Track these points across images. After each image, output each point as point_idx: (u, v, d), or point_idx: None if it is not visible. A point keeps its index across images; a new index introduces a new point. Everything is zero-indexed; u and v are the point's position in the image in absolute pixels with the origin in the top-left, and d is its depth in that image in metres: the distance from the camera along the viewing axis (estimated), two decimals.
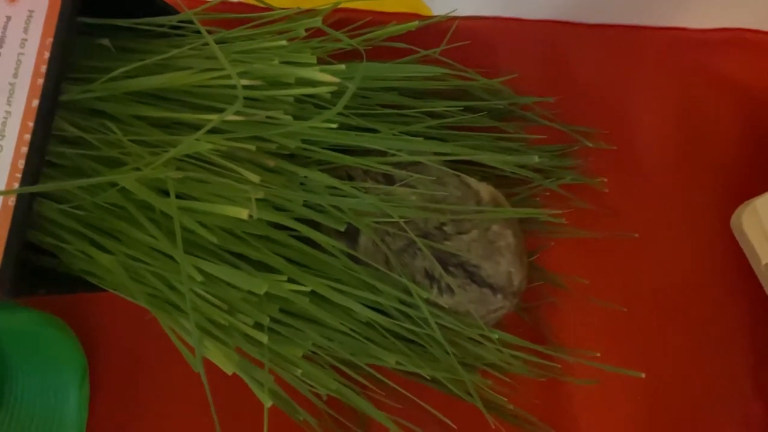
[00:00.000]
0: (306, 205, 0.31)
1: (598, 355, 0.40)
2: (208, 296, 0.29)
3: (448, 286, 0.34)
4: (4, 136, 0.27)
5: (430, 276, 0.34)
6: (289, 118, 0.30)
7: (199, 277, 0.28)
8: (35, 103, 0.27)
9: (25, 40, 0.28)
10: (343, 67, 0.31)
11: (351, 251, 0.33)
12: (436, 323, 0.32)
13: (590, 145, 0.42)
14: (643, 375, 0.37)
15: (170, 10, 0.34)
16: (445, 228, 0.34)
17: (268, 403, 0.28)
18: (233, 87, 0.30)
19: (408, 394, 0.34)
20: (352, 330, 0.32)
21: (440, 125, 0.37)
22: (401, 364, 0.33)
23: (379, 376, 0.34)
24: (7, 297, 0.27)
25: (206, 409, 0.28)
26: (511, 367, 0.36)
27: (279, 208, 0.31)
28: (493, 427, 0.35)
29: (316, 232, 0.31)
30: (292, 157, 0.33)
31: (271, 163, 0.31)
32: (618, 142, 0.44)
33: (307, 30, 0.33)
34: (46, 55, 0.28)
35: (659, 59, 0.45)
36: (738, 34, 0.45)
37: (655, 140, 0.45)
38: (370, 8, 0.42)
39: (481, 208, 0.35)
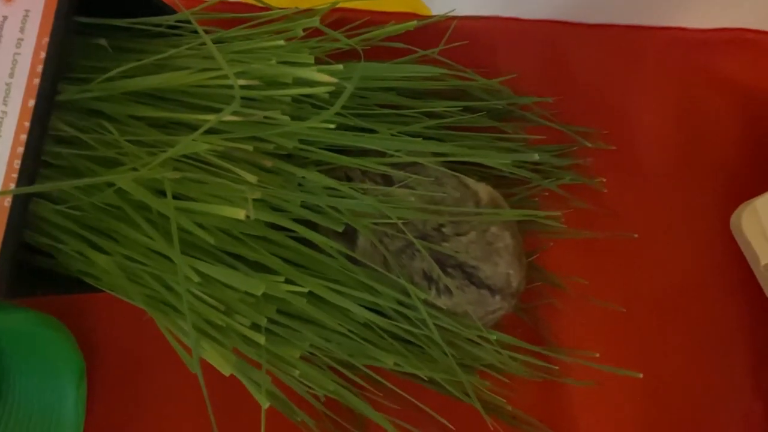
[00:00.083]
0: (304, 205, 0.31)
1: (597, 355, 0.40)
2: (205, 297, 0.29)
3: (447, 288, 0.34)
4: (0, 136, 0.27)
5: (428, 277, 0.34)
6: (286, 118, 0.30)
7: (196, 278, 0.28)
8: (31, 103, 0.27)
9: (22, 39, 0.28)
10: (341, 67, 0.31)
11: (349, 252, 0.32)
12: (435, 324, 0.32)
13: (589, 145, 0.42)
14: (641, 375, 0.37)
15: (168, 10, 0.34)
16: (443, 229, 0.34)
17: (265, 405, 0.28)
18: (231, 87, 0.30)
19: (406, 396, 0.34)
20: (349, 331, 0.32)
21: (439, 125, 0.37)
22: (399, 365, 0.33)
23: (377, 377, 0.34)
24: (4, 298, 0.27)
25: (204, 410, 0.28)
26: (509, 368, 0.36)
27: (276, 209, 0.31)
28: (492, 428, 0.35)
29: (314, 233, 0.31)
30: (289, 158, 0.33)
31: (268, 163, 0.31)
32: (617, 142, 0.44)
33: (304, 30, 0.33)
34: (43, 54, 0.28)
35: (659, 59, 0.45)
36: (738, 34, 0.45)
37: (655, 140, 0.45)
38: (368, 8, 0.42)
39: (480, 210, 0.35)
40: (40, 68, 0.28)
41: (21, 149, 0.27)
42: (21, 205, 0.27)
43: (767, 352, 0.42)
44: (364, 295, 0.32)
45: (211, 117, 0.29)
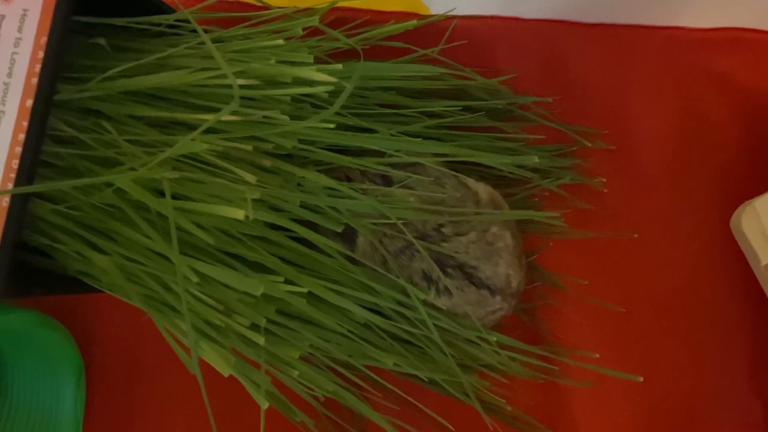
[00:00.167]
0: (303, 205, 0.31)
1: (597, 356, 0.40)
2: (204, 297, 0.29)
3: (447, 288, 0.34)
4: None
5: (428, 277, 0.34)
6: (285, 117, 0.30)
7: (195, 278, 0.28)
8: (29, 102, 0.27)
9: (20, 39, 0.28)
10: (340, 66, 0.31)
11: (348, 252, 0.32)
12: (434, 325, 0.32)
13: (589, 144, 0.42)
14: (641, 379, 0.37)
15: (167, 9, 0.34)
16: (443, 229, 0.34)
17: (264, 405, 0.28)
18: (230, 86, 0.30)
19: (405, 396, 0.34)
20: (349, 331, 0.32)
21: (438, 125, 0.36)
22: (399, 366, 0.33)
23: (376, 377, 0.33)
24: (3, 297, 0.27)
25: (203, 410, 0.28)
26: (509, 369, 0.36)
27: (276, 209, 0.31)
28: (491, 428, 0.35)
29: (313, 233, 0.31)
30: (288, 158, 0.33)
31: (267, 163, 0.31)
32: (617, 142, 0.44)
33: (304, 29, 0.33)
34: (41, 54, 0.28)
35: (659, 59, 0.45)
36: (738, 34, 0.45)
37: (655, 140, 0.45)
38: (367, 7, 0.42)
39: (480, 210, 0.35)
40: (38, 68, 0.27)
41: (19, 149, 0.27)
42: (19, 205, 0.27)
43: (767, 352, 0.42)
44: (364, 295, 0.32)
45: (210, 116, 0.29)
